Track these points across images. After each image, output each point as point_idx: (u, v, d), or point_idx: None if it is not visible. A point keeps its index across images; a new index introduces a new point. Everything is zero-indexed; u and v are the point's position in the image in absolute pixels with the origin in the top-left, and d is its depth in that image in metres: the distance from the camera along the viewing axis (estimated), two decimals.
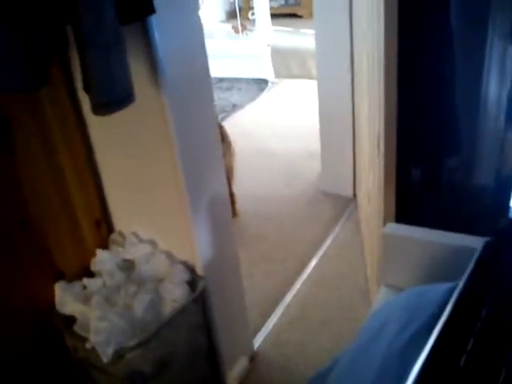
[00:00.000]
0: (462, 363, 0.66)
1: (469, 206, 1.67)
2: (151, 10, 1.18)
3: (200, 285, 1.60)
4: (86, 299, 1.52)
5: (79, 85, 1.47)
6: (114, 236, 1.73)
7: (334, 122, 2.89)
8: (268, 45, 5.11)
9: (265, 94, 4.95)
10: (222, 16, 6.34)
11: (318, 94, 2.92)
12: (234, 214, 2.84)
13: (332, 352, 1.93)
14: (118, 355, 1.39)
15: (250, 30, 5.44)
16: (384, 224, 1.53)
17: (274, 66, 5.17)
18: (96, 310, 1.44)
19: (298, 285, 2.39)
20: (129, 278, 1.59)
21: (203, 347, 1.71)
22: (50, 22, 1.08)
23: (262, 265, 2.54)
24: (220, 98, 4.78)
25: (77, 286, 1.57)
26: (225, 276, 1.79)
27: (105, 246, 1.69)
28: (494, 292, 0.82)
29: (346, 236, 2.70)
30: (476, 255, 0.97)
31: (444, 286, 0.99)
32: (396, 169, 1.58)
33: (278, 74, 5.20)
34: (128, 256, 1.65)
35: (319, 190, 3.16)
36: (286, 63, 5.15)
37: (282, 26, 5.53)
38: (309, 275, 2.45)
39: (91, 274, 1.62)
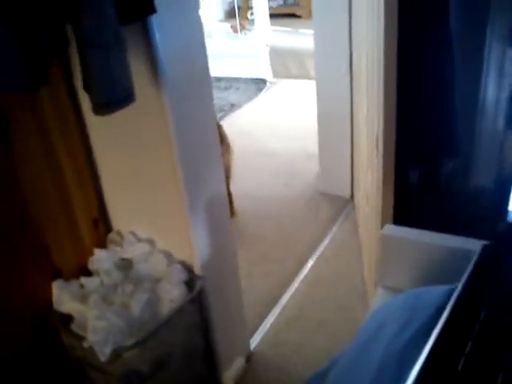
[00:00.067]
0: (460, 367, 0.66)
1: (467, 209, 1.67)
2: (152, 9, 1.18)
3: (198, 285, 1.60)
4: (83, 298, 1.52)
5: (79, 84, 1.47)
6: (111, 235, 1.73)
7: (333, 122, 2.89)
8: (267, 45, 5.11)
9: (263, 94, 4.95)
10: (221, 15, 6.34)
11: (316, 95, 2.92)
12: (232, 213, 2.85)
13: (329, 352, 1.93)
14: (116, 354, 1.38)
15: (249, 30, 5.44)
16: (382, 225, 1.53)
17: (272, 65, 5.17)
18: (94, 309, 1.44)
19: (295, 285, 2.39)
20: (126, 277, 1.59)
21: (200, 347, 1.71)
22: (50, 22, 1.08)
23: (259, 265, 2.54)
24: (218, 97, 4.77)
25: (74, 284, 1.57)
26: (223, 276, 1.79)
27: (103, 244, 1.69)
28: (492, 295, 0.82)
29: (343, 236, 2.71)
30: (475, 258, 0.98)
31: (442, 288, 0.99)
32: (394, 170, 1.58)
33: (276, 74, 5.20)
34: (126, 255, 1.65)
35: (317, 190, 3.16)
36: (285, 63, 5.15)
37: (281, 25, 5.53)
38: (306, 275, 2.45)
39: (89, 273, 1.62)
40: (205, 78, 1.51)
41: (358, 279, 2.35)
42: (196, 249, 1.59)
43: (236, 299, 1.90)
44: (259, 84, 5.11)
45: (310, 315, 2.21)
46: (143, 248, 1.65)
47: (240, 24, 5.45)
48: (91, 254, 1.64)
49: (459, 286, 0.88)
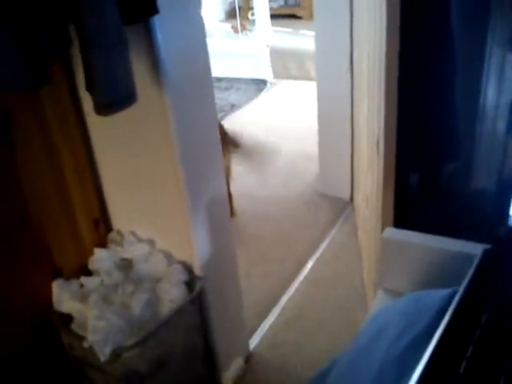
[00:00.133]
0: (461, 370, 0.66)
1: (468, 212, 1.67)
2: (155, 10, 1.18)
3: (198, 285, 1.60)
4: (83, 298, 1.52)
5: (80, 84, 1.47)
6: (112, 235, 1.73)
7: (333, 123, 2.89)
8: (267, 45, 5.11)
9: (263, 95, 4.95)
10: (222, 15, 6.33)
11: (317, 95, 2.92)
12: (232, 213, 2.84)
13: (329, 352, 1.93)
14: (116, 354, 1.39)
15: (250, 30, 5.44)
16: (382, 228, 1.53)
17: (272, 66, 5.17)
18: (94, 309, 1.44)
19: (294, 285, 2.39)
20: (126, 277, 1.59)
21: (200, 347, 1.71)
22: (52, 21, 1.08)
23: (258, 265, 2.54)
24: (218, 97, 4.77)
25: (74, 284, 1.57)
26: (223, 276, 1.79)
27: (103, 244, 1.69)
28: (493, 299, 0.82)
29: (342, 238, 2.71)
30: (476, 262, 0.98)
31: (442, 292, 0.99)
32: (395, 172, 1.58)
33: (276, 75, 5.20)
34: (126, 255, 1.65)
35: (317, 191, 3.16)
36: (285, 64, 5.15)
37: (282, 26, 5.53)
38: (305, 276, 2.45)
39: (89, 273, 1.62)
40: (206, 78, 1.52)
41: (358, 281, 2.35)
42: (196, 249, 1.59)
43: (236, 300, 1.91)
44: (259, 84, 5.11)
45: (309, 316, 2.21)
46: (143, 248, 1.65)
47: (241, 24, 5.45)
48: (91, 253, 1.64)
49: (460, 290, 0.88)
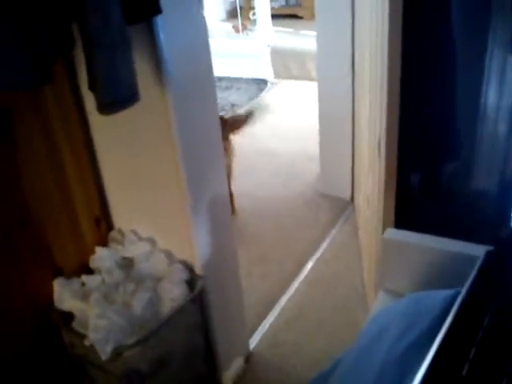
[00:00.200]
0: (464, 372, 0.67)
1: (469, 214, 1.67)
2: (158, 10, 1.18)
3: (199, 284, 1.60)
4: (84, 296, 1.52)
5: (82, 82, 1.47)
6: (113, 233, 1.73)
7: (334, 123, 2.89)
8: (268, 45, 5.11)
9: (264, 94, 4.95)
10: (223, 15, 6.33)
11: (318, 95, 2.92)
12: (233, 212, 2.84)
13: (328, 353, 1.94)
14: (117, 353, 1.39)
15: (251, 30, 5.44)
16: (383, 229, 1.54)
17: (273, 66, 5.17)
18: (95, 308, 1.44)
19: (294, 285, 2.40)
20: (128, 275, 1.60)
21: (200, 347, 1.71)
22: (55, 20, 1.08)
23: (258, 265, 2.54)
24: (219, 97, 4.72)
25: (75, 282, 1.57)
26: (223, 276, 1.79)
27: (104, 243, 1.70)
28: (496, 300, 0.82)
29: (343, 238, 2.71)
30: (478, 263, 0.98)
31: (443, 293, 0.99)
32: (396, 173, 1.58)
33: (277, 75, 5.20)
34: (127, 254, 1.65)
35: (317, 191, 3.17)
36: (286, 64, 5.15)
37: (283, 26, 5.53)
38: (306, 276, 2.45)
39: (90, 271, 1.62)
40: (208, 78, 1.52)
41: (358, 281, 2.36)
42: (197, 248, 1.59)
43: (236, 299, 1.91)
44: (260, 84, 5.11)
45: (309, 316, 2.21)
46: (144, 247, 1.65)
47: (242, 24, 5.44)
48: (93, 252, 1.64)
49: (463, 291, 0.88)
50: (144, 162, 1.55)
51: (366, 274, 2.24)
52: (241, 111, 2.76)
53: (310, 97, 3.87)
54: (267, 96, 4.91)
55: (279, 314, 2.23)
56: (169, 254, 1.64)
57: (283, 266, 2.53)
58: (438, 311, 0.92)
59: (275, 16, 5.47)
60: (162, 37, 1.29)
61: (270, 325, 2.18)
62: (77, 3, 1.06)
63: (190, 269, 1.62)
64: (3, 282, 1.43)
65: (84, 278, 1.58)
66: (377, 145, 1.67)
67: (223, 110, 4.55)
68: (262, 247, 2.69)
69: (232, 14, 6.18)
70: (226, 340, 1.84)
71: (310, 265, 2.53)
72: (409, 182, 1.72)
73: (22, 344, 1.53)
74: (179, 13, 1.34)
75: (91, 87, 1.14)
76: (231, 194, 2.84)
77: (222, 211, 1.71)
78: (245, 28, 5.46)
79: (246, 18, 5.71)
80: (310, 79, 4.57)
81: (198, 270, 1.62)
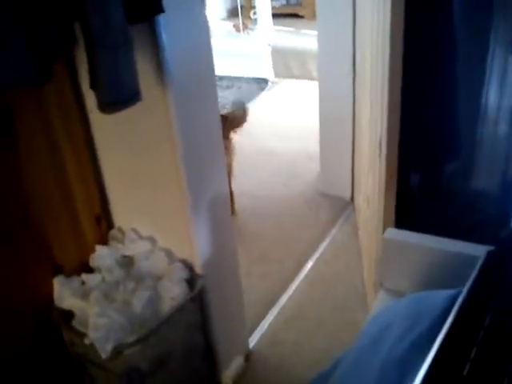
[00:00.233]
0: (465, 372, 0.67)
1: (470, 214, 1.68)
2: (160, 9, 1.18)
3: (198, 283, 1.61)
4: (84, 295, 1.52)
5: (83, 81, 1.47)
6: (113, 232, 1.73)
7: (334, 123, 2.89)
8: (269, 44, 5.11)
9: (265, 94, 4.94)
10: (223, 14, 6.32)
11: (318, 95, 2.92)
12: (233, 212, 2.85)
13: (328, 352, 1.94)
14: (117, 351, 1.39)
15: (251, 29, 5.43)
16: (384, 228, 1.54)
17: (274, 65, 5.16)
18: (95, 306, 1.44)
19: (294, 285, 2.40)
20: (128, 274, 1.60)
21: (200, 346, 1.71)
22: (58, 19, 1.09)
23: (258, 264, 2.54)
24: (219, 96, 4.73)
25: (75, 281, 1.57)
26: (223, 275, 1.79)
27: (104, 241, 1.70)
28: (497, 300, 0.82)
29: (343, 238, 2.71)
30: (479, 263, 0.98)
31: (444, 293, 0.99)
32: (397, 173, 1.58)
33: (278, 74, 5.19)
34: (127, 252, 1.65)
35: (317, 190, 3.16)
36: (287, 63, 5.14)
37: (283, 25, 5.52)
38: (306, 275, 2.46)
39: (90, 270, 1.62)
40: (210, 78, 1.52)
41: (358, 280, 2.36)
42: (197, 247, 1.59)
43: (236, 298, 1.91)
44: (261, 83, 5.11)
45: (309, 315, 2.21)
46: (144, 246, 1.65)
47: (242, 23, 5.44)
48: (93, 250, 1.64)
49: (464, 291, 0.88)
50: (145, 160, 1.55)
51: (366, 274, 2.24)
52: (228, 106, 2.75)
53: (311, 96, 3.87)
54: (268, 95, 4.91)
55: (279, 313, 2.24)
56: (169, 253, 1.64)
57: (283, 266, 2.53)
58: (438, 311, 0.92)
59: (276, 15, 5.46)
60: (164, 37, 1.29)
61: (270, 324, 2.18)
62: (77, 3, 1.06)
63: (190, 268, 1.63)
64: (3, 279, 1.42)
65: (84, 276, 1.58)
66: (378, 144, 1.67)
67: (224, 108, 4.55)
68: (261, 246, 2.69)
69: (233, 13, 6.17)
70: (226, 339, 1.84)
71: (309, 264, 2.53)
72: (409, 182, 1.72)
73: (22, 342, 1.53)
74: (182, 13, 1.34)
75: (93, 87, 1.14)
76: (231, 193, 2.84)
77: (223, 210, 1.71)
78: (245, 27, 5.45)
79: (246, 17, 5.70)
80: (311, 79, 4.56)
81: (198, 269, 1.63)
